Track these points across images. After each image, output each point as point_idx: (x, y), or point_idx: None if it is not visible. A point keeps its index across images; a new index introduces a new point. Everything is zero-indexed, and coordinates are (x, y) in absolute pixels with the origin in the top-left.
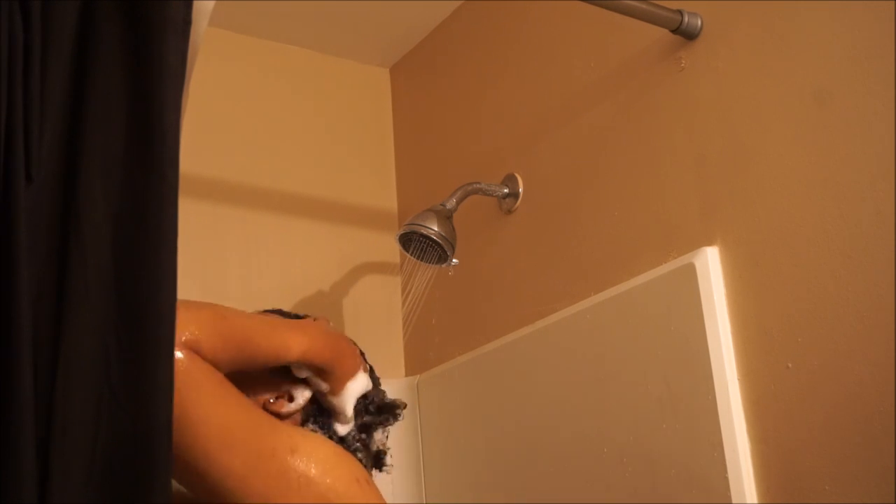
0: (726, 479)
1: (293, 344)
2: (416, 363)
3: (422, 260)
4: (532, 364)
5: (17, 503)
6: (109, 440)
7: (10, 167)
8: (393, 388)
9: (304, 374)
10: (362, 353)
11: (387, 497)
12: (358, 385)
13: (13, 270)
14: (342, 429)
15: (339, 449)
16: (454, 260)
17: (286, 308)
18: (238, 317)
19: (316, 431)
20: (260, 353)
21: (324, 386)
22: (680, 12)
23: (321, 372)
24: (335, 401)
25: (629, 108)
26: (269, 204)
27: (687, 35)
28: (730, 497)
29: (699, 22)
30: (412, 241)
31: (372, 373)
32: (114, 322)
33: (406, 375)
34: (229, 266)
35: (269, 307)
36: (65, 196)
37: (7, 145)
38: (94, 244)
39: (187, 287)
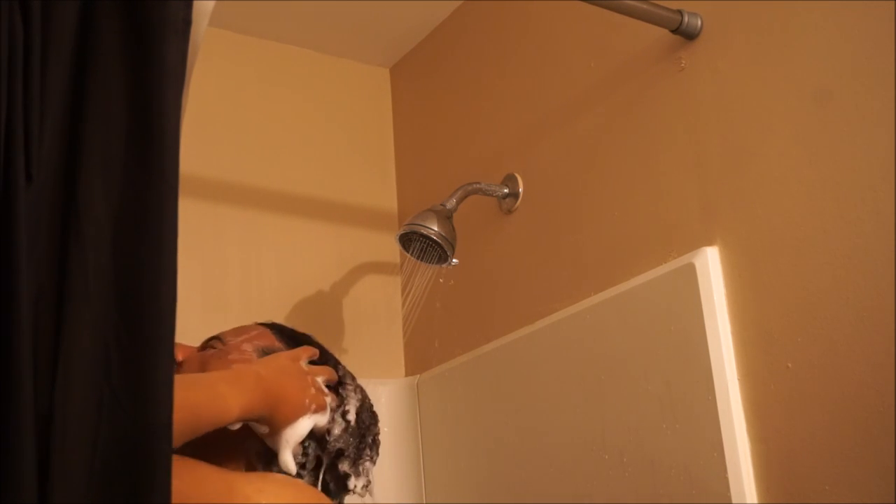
0: (726, 479)
1: (232, 406)
2: (416, 363)
3: (422, 260)
4: (532, 364)
5: (16, 503)
6: (109, 440)
7: (10, 167)
8: (393, 389)
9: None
10: (338, 384)
11: (387, 497)
12: (295, 432)
13: (13, 270)
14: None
15: (303, 491)
16: (454, 260)
17: (287, 308)
18: (180, 388)
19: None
20: (202, 423)
21: (262, 429)
22: (680, 12)
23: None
24: (271, 444)
25: (629, 108)
26: (269, 204)
27: (687, 35)
28: (730, 497)
29: (699, 22)
30: (412, 241)
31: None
32: (114, 322)
33: (406, 375)
34: (229, 266)
35: (269, 307)
36: (65, 196)
37: (7, 145)
38: (94, 244)
39: (187, 287)
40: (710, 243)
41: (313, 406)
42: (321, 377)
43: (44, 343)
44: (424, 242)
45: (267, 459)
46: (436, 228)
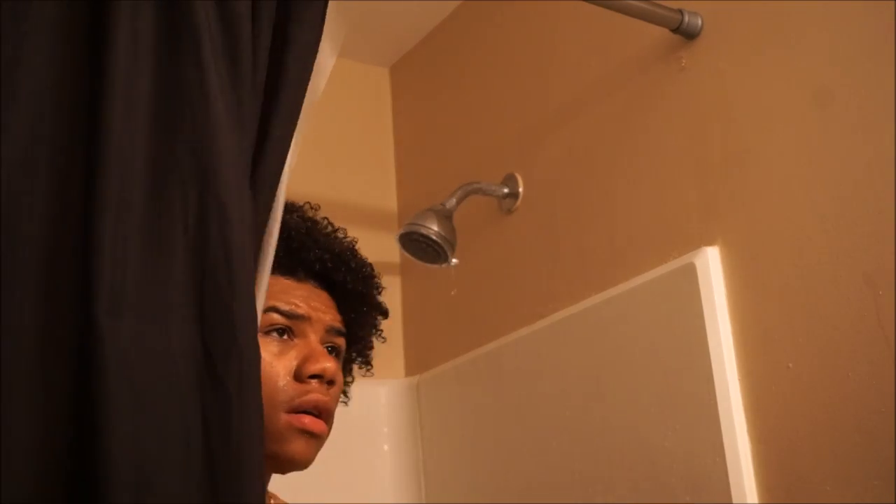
0: (726, 479)
1: None
2: (416, 363)
3: (422, 260)
4: (532, 364)
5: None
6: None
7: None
8: (393, 388)
9: None
10: None
11: (387, 497)
12: None
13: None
14: None
15: None
16: (454, 260)
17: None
18: None
19: None
20: None
21: None
22: (680, 12)
23: None
24: None
25: (629, 107)
26: None
27: (687, 34)
28: (730, 497)
29: (699, 21)
30: (412, 241)
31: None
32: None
33: (406, 375)
34: None
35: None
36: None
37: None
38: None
39: None
40: (710, 243)
41: None
42: None
43: None
44: (424, 242)
45: None
46: (436, 228)
